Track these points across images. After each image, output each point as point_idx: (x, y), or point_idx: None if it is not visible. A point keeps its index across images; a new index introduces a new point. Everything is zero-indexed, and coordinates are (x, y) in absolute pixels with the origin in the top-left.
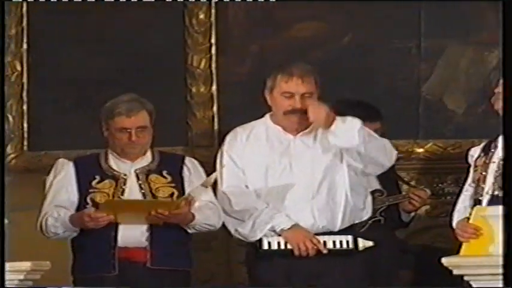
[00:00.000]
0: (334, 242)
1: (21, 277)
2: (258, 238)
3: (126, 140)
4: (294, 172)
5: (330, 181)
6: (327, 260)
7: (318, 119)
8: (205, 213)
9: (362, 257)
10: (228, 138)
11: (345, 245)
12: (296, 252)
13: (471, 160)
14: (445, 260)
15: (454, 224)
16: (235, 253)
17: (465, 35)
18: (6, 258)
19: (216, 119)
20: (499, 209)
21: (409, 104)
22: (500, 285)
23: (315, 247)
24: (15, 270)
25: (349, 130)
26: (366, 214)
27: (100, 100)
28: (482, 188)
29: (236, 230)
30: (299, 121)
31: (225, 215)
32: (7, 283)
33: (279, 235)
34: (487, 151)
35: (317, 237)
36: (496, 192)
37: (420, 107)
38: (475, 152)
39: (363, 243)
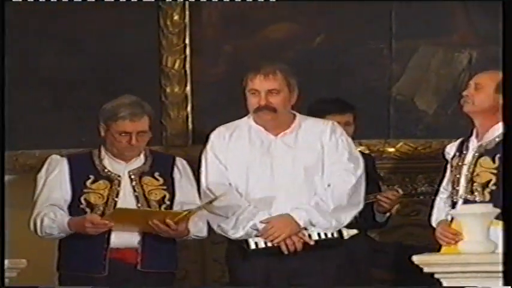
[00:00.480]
0: (319, 234)
1: None
2: (240, 235)
3: (125, 143)
4: (274, 172)
5: (311, 181)
6: (311, 256)
7: None
8: (198, 226)
9: (343, 252)
10: (212, 136)
11: (329, 235)
12: (283, 248)
13: (448, 157)
14: (415, 258)
15: (433, 224)
16: (210, 251)
17: (436, 36)
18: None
19: (190, 119)
20: (468, 208)
21: (381, 104)
22: (471, 284)
23: (301, 240)
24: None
25: None
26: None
27: (75, 100)
28: (457, 191)
29: (219, 226)
30: (272, 118)
31: (208, 211)
32: None
33: (260, 235)
34: (460, 151)
35: (298, 228)
36: (468, 196)
37: (391, 107)
38: (451, 149)
39: (347, 232)
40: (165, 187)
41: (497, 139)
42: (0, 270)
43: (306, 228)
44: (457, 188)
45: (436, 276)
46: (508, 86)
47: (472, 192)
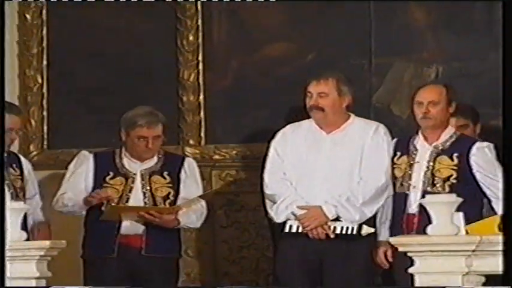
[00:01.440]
0: (341, 228)
1: (42, 253)
2: (280, 220)
3: (143, 147)
4: (317, 165)
5: (349, 176)
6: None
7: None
8: (190, 218)
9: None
10: (278, 134)
11: (349, 231)
12: (310, 235)
13: None
14: (392, 240)
15: (377, 223)
16: (219, 234)
17: (408, 53)
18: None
19: (202, 123)
20: (436, 198)
21: (363, 110)
22: (439, 261)
23: (324, 232)
24: (38, 247)
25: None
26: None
27: (107, 107)
28: (409, 184)
29: (269, 212)
30: (322, 117)
31: (266, 198)
32: (30, 257)
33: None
34: (405, 151)
35: (327, 221)
36: (429, 189)
37: (371, 113)
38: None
39: (365, 229)
40: (171, 185)
41: (450, 141)
42: (1, 270)
43: (337, 219)
44: (408, 182)
45: (409, 254)
46: (508, 86)
47: (433, 185)
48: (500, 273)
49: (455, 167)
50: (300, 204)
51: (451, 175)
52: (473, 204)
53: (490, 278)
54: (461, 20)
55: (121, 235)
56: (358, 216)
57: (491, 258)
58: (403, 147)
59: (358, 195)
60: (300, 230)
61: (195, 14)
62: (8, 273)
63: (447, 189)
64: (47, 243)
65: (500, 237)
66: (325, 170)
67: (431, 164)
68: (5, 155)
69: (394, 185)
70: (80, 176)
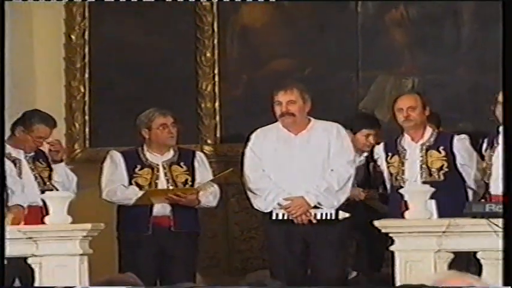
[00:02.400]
0: (321, 214)
1: (84, 234)
2: (268, 210)
3: (166, 134)
4: (293, 162)
5: (321, 169)
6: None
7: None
8: (208, 198)
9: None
10: (252, 136)
11: (329, 217)
12: (295, 221)
13: (379, 157)
14: (376, 222)
15: None
16: (232, 217)
17: (389, 68)
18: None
19: (218, 126)
20: (413, 187)
21: (351, 115)
22: (415, 240)
23: (307, 218)
24: (81, 229)
25: None
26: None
27: (137, 112)
28: (402, 178)
29: (255, 203)
30: (292, 121)
31: (248, 191)
32: (74, 237)
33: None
34: (394, 151)
35: (309, 208)
36: (426, 179)
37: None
38: (379, 151)
39: (342, 214)
40: (187, 172)
41: (432, 137)
42: (1, 271)
43: (316, 206)
44: (402, 176)
45: (390, 235)
46: (508, 87)
47: (430, 175)
48: (467, 250)
49: (444, 158)
50: (284, 195)
51: (443, 165)
52: (460, 187)
53: (457, 255)
54: (433, 40)
55: (153, 216)
56: (336, 201)
57: (458, 238)
58: (392, 148)
59: (333, 184)
60: (285, 217)
61: (212, 35)
62: (53, 251)
63: (442, 177)
64: (88, 225)
65: (467, 220)
66: (299, 165)
67: (424, 158)
68: (32, 153)
69: (391, 180)
70: (115, 171)
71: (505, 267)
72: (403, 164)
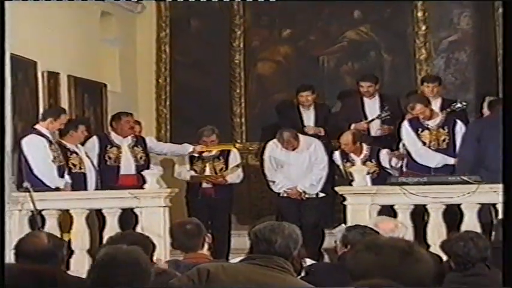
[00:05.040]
0: (309, 194)
1: (167, 194)
2: (278, 191)
3: (210, 144)
4: (291, 164)
5: (309, 170)
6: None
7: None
8: (233, 177)
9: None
10: (267, 146)
11: (313, 196)
12: (293, 197)
13: (337, 161)
14: (337, 188)
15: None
16: (252, 185)
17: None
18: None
19: (244, 133)
20: (356, 167)
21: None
22: (363, 199)
23: (300, 196)
24: (165, 192)
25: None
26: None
27: (195, 121)
28: (435, 144)
29: (271, 187)
30: (291, 146)
31: (267, 180)
32: (161, 195)
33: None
34: (425, 128)
35: (302, 192)
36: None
37: None
38: (337, 158)
39: (321, 195)
40: (224, 162)
41: (368, 152)
42: (1, 271)
43: (304, 192)
44: (433, 143)
45: (344, 195)
46: (508, 86)
47: (439, 145)
48: (388, 204)
49: (376, 166)
50: (287, 186)
51: (375, 170)
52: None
53: (384, 207)
54: None
55: (202, 188)
56: (318, 188)
57: (382, 197)
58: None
59: (314, 181)
60: (286, 195)
61: (240, 80)
62: (148, 204)
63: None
64: (168, 190)
65: (387, 187)
66: (296, 166)
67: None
68: (134, 139)
69: (344, 170)
70: (183, 159)
71: (505, 267)
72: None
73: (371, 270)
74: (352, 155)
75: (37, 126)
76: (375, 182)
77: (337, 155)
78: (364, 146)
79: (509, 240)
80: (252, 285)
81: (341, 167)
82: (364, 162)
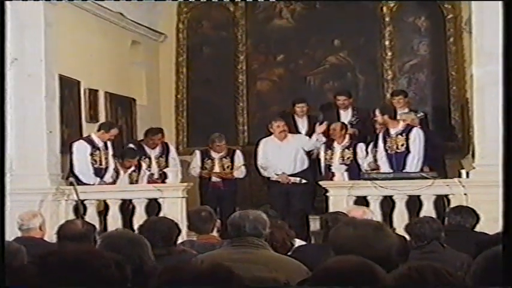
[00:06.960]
0: (295, 180)
1: (183, 187)
2: (268, 176)
3: (217, 148)
4: (282, 154)
5: (297, 158)
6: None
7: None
8: (238, 174)
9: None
10: (260, 142)
11: (298, 181)
12: (281, 181)
13: (321, 151)
14: (320, 182)
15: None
16: (254, 186)
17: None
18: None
19: (246, 137)
20: (337, 167)
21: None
22: (345, 191)
23: (287, 181)
24: (182, 185)
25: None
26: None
27: (208, 129)
28: (331, 163)
29: (262, 173)
30: (283, 136)
31: (258, 167)
32: (180, 188)
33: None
34: (329, 148)
35: (289, 177)
36: (338, 163)
37: None
38: (321, 138)
39: (304, 181)
40: (230, 161)
41: (348, 142)
42: (1, 271)
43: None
44: (331, 161)
45: (327, 188)
46: (508, 86)
47: (343, 160)
48: (361, 195)
49: (351, 155)
50: (276, 172)
51: (350, 157)
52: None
53: (358, 198)
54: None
55: (212, 182)
56: (302, 176)
57: (357, 189)
58: (328, 146)
59: (303, 167)
60: (275, 179)
61: (242, 96)
62: (169, 195)
63: (349, 162)
64: (185, 184)
65: (361, 182)
66: (284, 157)
67: (341, 154)
68: (161, 148)
69: (325, 162)
70: (197, 162)
71: (505, 267)
72: (332, 155)
73: (349, 242)
74: (335, 143)
75: (92, 135)
76: (351, 176)
77: (322, 138)
78: (347, 136)
79: (509, 240)
80: (233, 263)
81: (322, 153)
82: (343, 150)
